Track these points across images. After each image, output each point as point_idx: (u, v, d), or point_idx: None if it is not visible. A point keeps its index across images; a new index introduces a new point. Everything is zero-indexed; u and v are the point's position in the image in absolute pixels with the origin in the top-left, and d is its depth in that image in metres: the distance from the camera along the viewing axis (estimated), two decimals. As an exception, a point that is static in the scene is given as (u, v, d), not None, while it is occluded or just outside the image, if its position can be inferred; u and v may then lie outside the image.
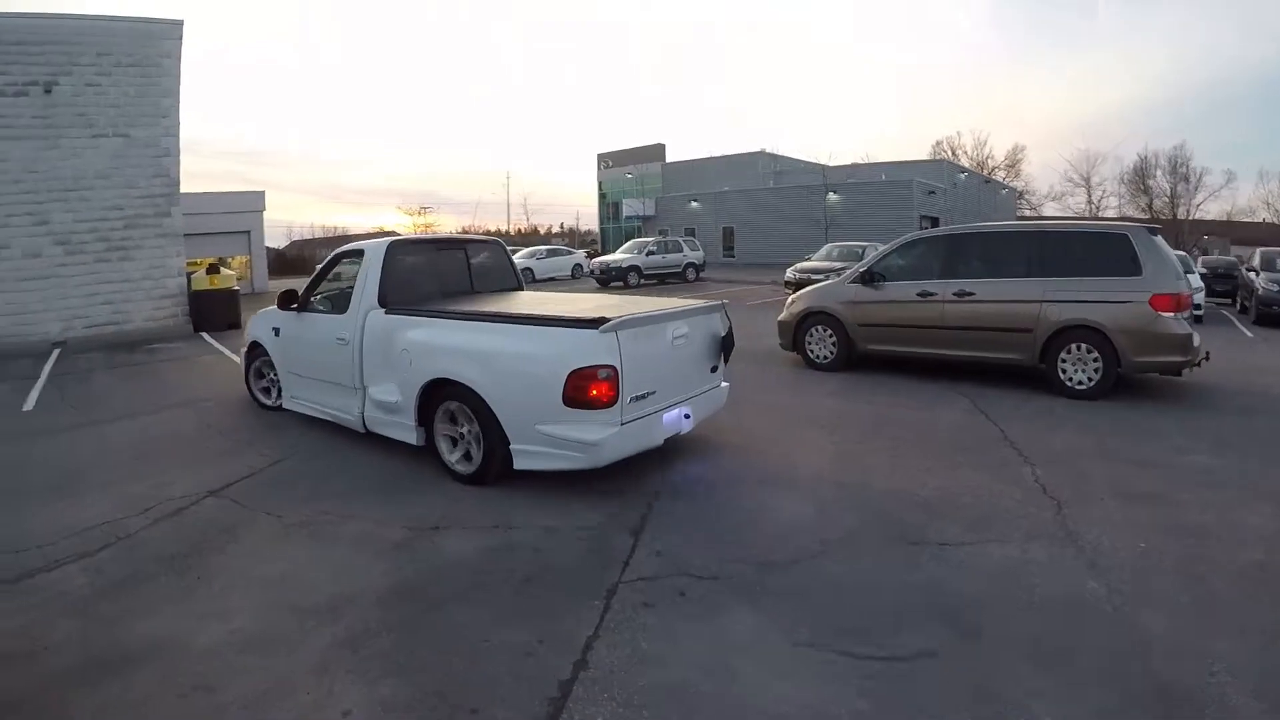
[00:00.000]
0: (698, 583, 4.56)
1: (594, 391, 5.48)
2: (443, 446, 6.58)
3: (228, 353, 14.51)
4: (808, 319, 11.60)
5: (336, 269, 8.47)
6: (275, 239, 78.33)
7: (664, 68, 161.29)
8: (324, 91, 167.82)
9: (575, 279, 35.66)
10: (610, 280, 29.78)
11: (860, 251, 24.02)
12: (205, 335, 17.54)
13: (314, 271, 8.98)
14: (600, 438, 5.55)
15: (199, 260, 23.45)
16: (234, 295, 19.77)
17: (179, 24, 19.42)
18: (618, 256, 32.01)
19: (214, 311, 19.10)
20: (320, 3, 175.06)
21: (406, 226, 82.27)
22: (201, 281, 19.43)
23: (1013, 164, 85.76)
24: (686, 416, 6.37)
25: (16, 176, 17.67)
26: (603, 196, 70.06)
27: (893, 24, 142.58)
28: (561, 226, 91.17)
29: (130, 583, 4.82)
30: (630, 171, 65.16)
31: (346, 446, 7.72)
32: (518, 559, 4.90)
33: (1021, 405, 8.98)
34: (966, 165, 72.53)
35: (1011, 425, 8.02)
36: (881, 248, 12.21)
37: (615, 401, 5.58)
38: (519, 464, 5.95)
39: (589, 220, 79.44)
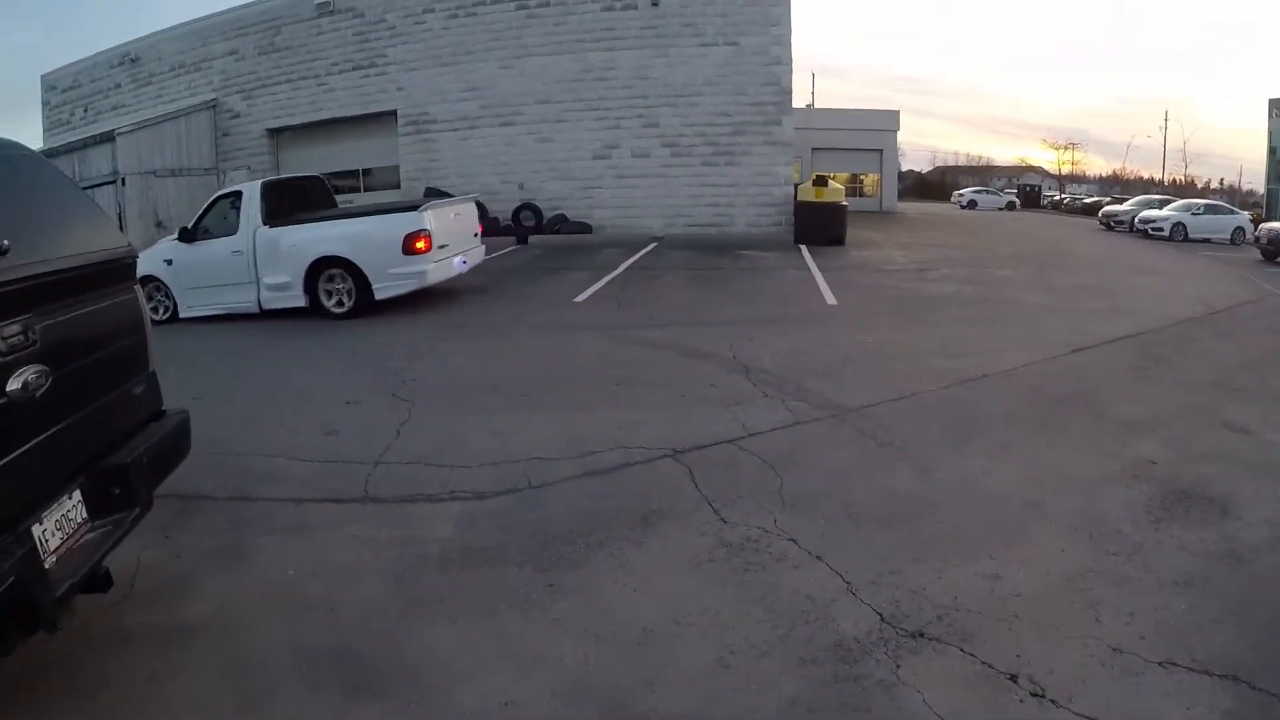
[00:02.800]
0: None
1: (419, 244, 10.19)
2: (324, 301, 10.67)
3: (815, 271, 13.49)
4: None
5: (213, 209, 11.67)
6: (919, 163, 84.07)
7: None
8: (983, 19, 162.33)
9: (1234, 244, 26.66)
10: (1278, 254, 20.75)
11: None
12: (803, 249, 16.95)
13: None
14: (426, 268, 10.30)
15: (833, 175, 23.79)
16: (840, 210, 18.91)
17: None
18: (1290, 226, 22.94)
19: (817, 225, 18.46)
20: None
21: (1051, 162, 78.56)
22: (807, 193, 19.09)
23: None
24: (464, 262, 11.35)
25: (626, 83, 19.88)
26: (1271, 151, 54.26)
27: None
28: (1221, 182, 74.69)
29: (478, 557, 3.82)
30: (1306, 121, 49.26)
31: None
32: None
33: None
34: None
35: None
36: None
37: (430, 249, 10.28)
38: (379, 296, 10.41)
39: (1253, 178, 63.43)
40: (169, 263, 11.85)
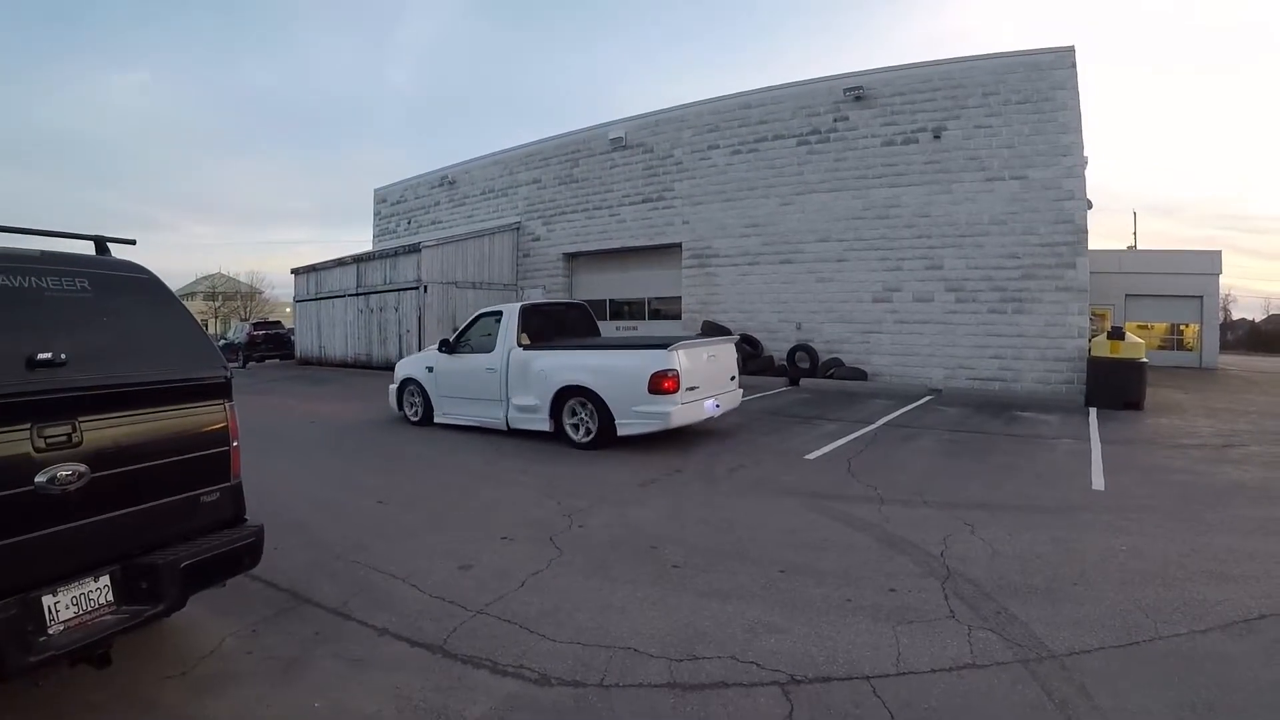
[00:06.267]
0: None
1: (665, 384, 10.21)
2: (568, 429, 11.10)
3: (1094, 444, 11.59)
4: None
5: (475, 325, 12.83)
6: (1253, 310, 79.64)
7: None
8: None
9: None
10: None
11: None
12: (1091, 413, 14.86)
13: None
14: (671, 410, 10.24)
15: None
16: (1138, 369, 16.27)
17: (1069, 51, 17.74)
18: None
19: (1110, 385, 16.07)
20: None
21: None
22: (1101, 347, 16.66)
23: None
24: (717, 405, 11.25)
25: (909, 221, 19.25)
26: None
27: None
28: None
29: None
30: None
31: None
32: None
33: None
34: None
35: None
36: None
37: (677, 390, 10.26)
38: (620, 432, 10.63)
39: None
40: (430, 369, 13.13)
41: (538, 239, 26.93)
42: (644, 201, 23.93)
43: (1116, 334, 16.74)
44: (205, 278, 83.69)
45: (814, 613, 4.98)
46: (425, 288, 24.25)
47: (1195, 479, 9.36)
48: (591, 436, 10.80)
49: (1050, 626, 4.78)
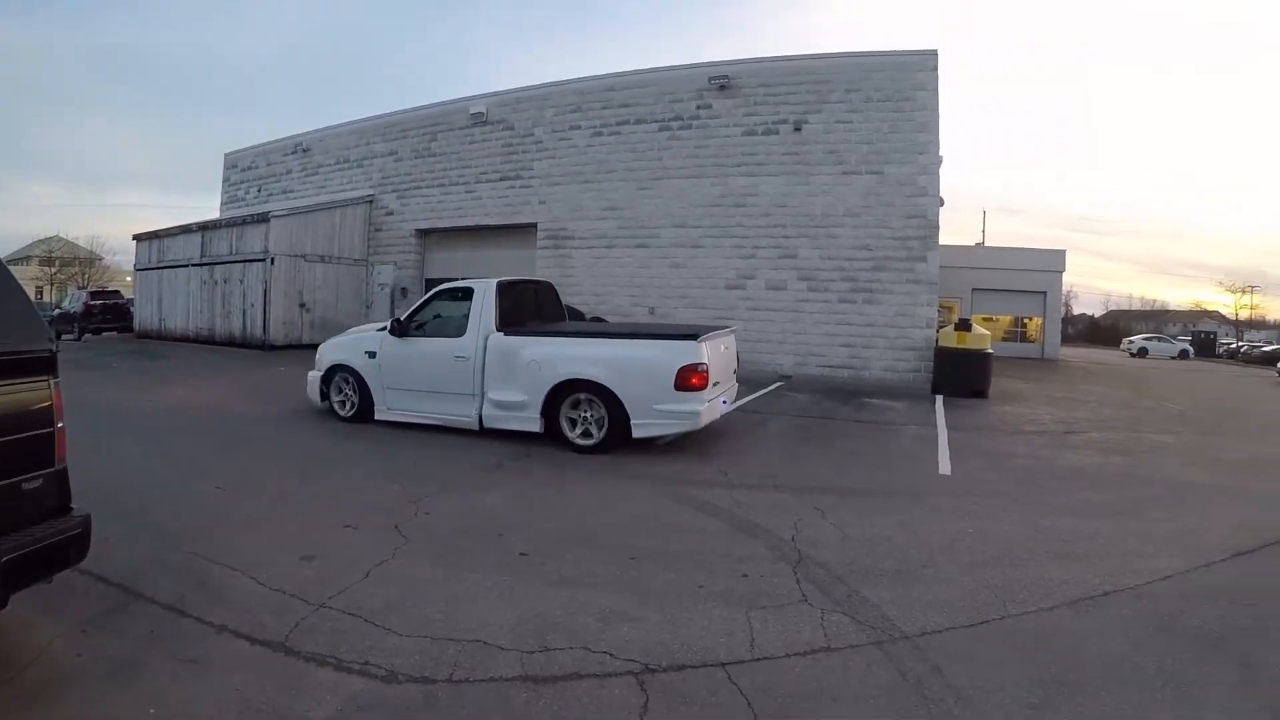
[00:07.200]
0: None
1: (694, 380, 9.13)
2: (566, 429, 9.69)
3: (940, 430, 12.21)
4: None
5: (431, 304, 11.11)
6: (1092, 306, 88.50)
7: None
8: (1164, 155, 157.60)
9: None
10: None
11: None
12: (938, 400, 15.69)
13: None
14: (699, 409, 9.16)
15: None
16: (983, 359, 17.37)
17: (932, 54, 18.75)
18: None
19: (957, 374, 17.11)
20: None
21: (1228, 307, 77.87)
22: (948, 337, 17.67)
23: None
24: (725, 402, 10.28)
25: (765, 210, 19.76)
26: None
27: None
28: None
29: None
30: None
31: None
32: None
33: None
34: None
35: None
36: None
37: (705, 386, 9.20)
38: (637, 434, 9.39)
39: None
40: (371, 355, 11.06)
41: (391, 213, 26.19)
42: (501, 179, 23.62)
43: (963, 325, 17.77)
44: (42, 241, 77.44)
45: (666, 600, 5.00)
46: (273, 260, 23.19)
47: (1038, 464, 10.02)
48: (599, 439, 9.49)
49: (902, 608, 4.95)
